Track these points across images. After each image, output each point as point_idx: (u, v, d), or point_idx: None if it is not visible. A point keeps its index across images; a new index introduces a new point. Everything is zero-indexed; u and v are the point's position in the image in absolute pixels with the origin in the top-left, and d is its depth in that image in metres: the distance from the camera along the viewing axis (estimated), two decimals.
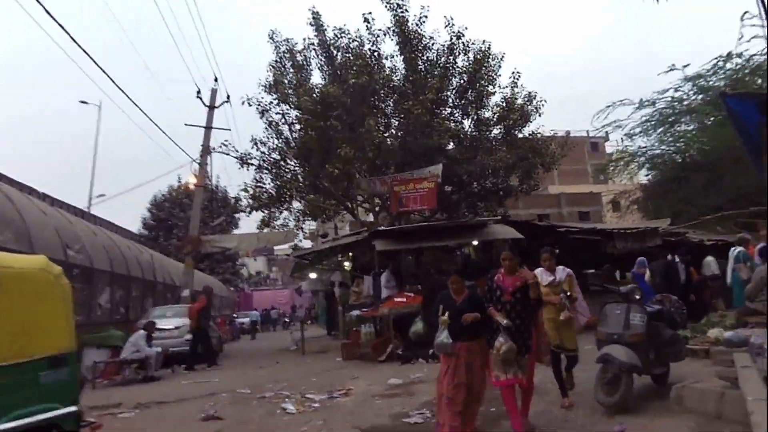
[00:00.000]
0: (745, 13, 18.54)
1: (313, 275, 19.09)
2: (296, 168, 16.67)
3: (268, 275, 55.56)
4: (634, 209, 24.39)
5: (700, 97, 18.85)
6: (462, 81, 16.20)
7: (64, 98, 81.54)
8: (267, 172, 16.57)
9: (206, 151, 16.87)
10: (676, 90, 19.24)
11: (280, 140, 16.41)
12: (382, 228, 11.57)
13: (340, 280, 16.95)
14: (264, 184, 16.64)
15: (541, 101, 16.11)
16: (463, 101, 16.54)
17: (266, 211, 17.08)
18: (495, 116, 16.39)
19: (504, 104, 16.27)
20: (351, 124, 14.09)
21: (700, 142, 17.90)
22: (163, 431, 5.56)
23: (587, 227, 13.61)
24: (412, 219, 15.87)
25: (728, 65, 17.73)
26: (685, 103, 19.30)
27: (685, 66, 18.51)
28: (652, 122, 20.37)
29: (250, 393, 7.49)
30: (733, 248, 8.74)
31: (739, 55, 17.58)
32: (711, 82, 18.38)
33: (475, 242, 12.12)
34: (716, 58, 18.20)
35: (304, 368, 9.91)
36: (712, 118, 18.18)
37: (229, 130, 31.18)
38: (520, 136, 16.66)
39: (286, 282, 50.23)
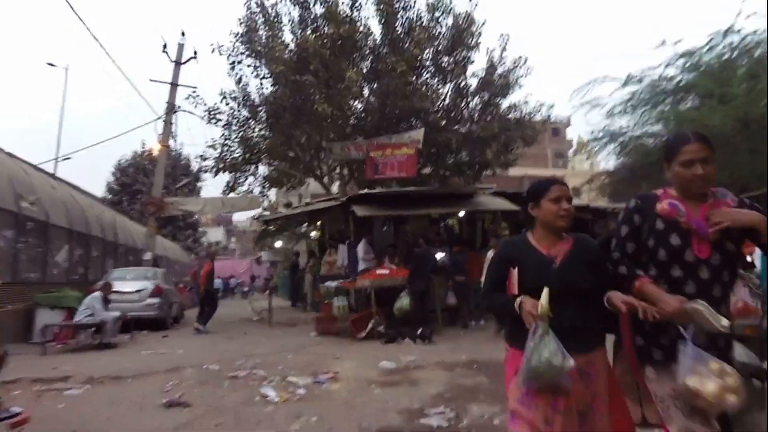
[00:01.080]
0: None
1: (278, 244, 17.93)
2: (265, 131, 15.22)
3: (226, 246, 53.93)
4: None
5: (692, 75, 18.47)
6: (443, 46, 15.03)
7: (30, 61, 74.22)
8: (235, 130, 15.07)
9: (171, 108, 15.30)
10: (668, 66, 18.77)
11: (249, 99, 14.90)
12: (364, 192, 10.53)
13: (311, 250, 15.95)
14: (231, 143, 15.16)
15: (529, 69, 15.26)
16: (443, 66, 15.49)
17: (232, 174, 15.70)
18: (479, 81, 15.43)
19: (488, 67, 15.29)
20: (328, 80, 12.77)
21: (690, 121, 17.50)
22: (114, 420, 4.44)
23: (581, 204, 13.10)
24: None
25: (727, 40, 17.31)
26: (677, 80, 18.87)
27: (677, 42, 18.07)
28: (634, 101, 19.93)
29: (220, 370, 6.43)
30: None
31: (738, 31, 17.29)
32: (707, 59, 18.01)
33: (462, 213, 11.32)
34: (712, 34, 17.83)
35: (276, 343, 8.85)
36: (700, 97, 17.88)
37: (196, 88, 29.05)
38: (504, 105, 15.85)
39: (244, 253, 49.16)
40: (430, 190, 11.39)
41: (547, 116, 16.25)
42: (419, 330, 8.45)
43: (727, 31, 17.53)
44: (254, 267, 36.34)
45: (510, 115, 15.77)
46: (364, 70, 13.95)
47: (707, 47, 18.21)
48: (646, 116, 20.35)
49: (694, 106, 17.58)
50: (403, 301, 8.95)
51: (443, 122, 15.09)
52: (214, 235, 47.54)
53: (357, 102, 13.78)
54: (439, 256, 10.33)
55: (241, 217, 49.90)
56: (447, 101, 15.59)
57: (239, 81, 14.76)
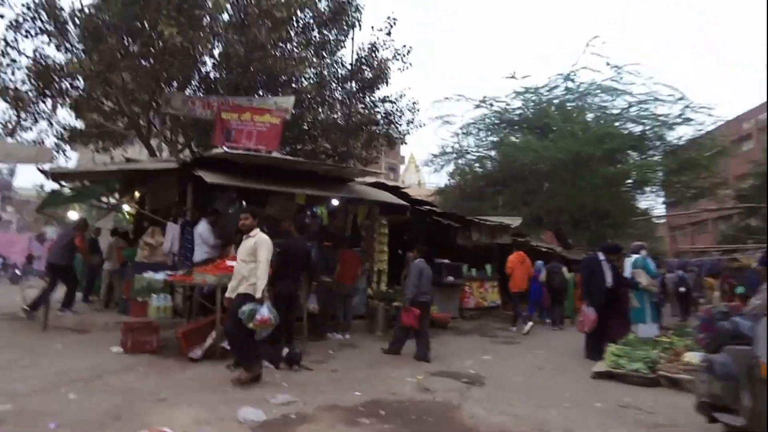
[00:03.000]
0: (594, 37, 20.28)
1: (73, 214, 13.25)
2: (75, 55, 10.85)
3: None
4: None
5: (530, 111, 19.49)
6: (313, 20, 12.65)
7: None
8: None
9: None
10: (513, 98, 19.56)
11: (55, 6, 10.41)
12: (219, 152, 7.56)
13: (116, 228, 11.91)
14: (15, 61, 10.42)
15: (408, 62, 13.88)
16: (317, 39, 13.22)
17: (16, 111, 10.88)
18: (354, 63, 13.53)
19: (370, 49, 13.45)
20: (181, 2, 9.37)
21: (523, 153, 18.23)
22: None
23: (448, 212, 12.03)
24: None
25: (566, 85, 18.58)
26: (518, 113, 19.78)
27: (524, 76, 19.00)
28: (481, 125, 20.45)
29: None
30: (629, 255, 8.46)
31: (572, 79, 18.68)
32: (543, 98, 19.11)
33: (336, 201, 9.14)
34: (557, 76, 18.99)
35: (52, 365, 5.35)
36: (537, 131, 18.91)
37: None
38: (377, 96, 14.23)
39: (24, 227, 38.55)
40: (309, 164, 8.93)
41: (414, 117, 15.05)
42: (285, 350, 6.02)
43: (567, 77, 19.13)
44: (34, 245, 28.29)
45: (380, 109, 14.27)
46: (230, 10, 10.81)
47: (549, 87, 19.68)
48: (487, 140, 21.36)
49: (529, 138, 18.68)
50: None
51: (308, 100, 12.75)
52: None
53: (217, 42, 10.56)
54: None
55: (25, 183, 39.41)
56: (316, 77, 13.33)
57: None
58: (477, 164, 21.69)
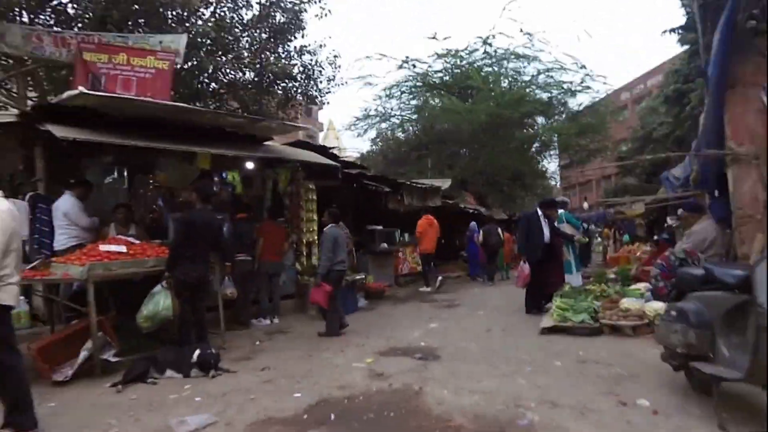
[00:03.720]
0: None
1: None
2: None
3: None
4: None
5: (451, 74, 18.78)
6: None
7: None
8: None
9: None
10: (434, 60, 18.67)
11: None
12: (76, 92, 5.21)
13: None
14: None
15: (326, 8, 11.99)
16: None
17: None
18: (260, 6, 11.37)
19: None
20: None
21: (447, 115, 17.67)
22: None
23: (378, 175, 10.62)
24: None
25: (485, 49, 18.05)
26: (439, 75, 18.95)
27: (446, 38, 18.29)
28: (404, 87, 19.45)
29: None
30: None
31: (490, 44, 18.13)
32: (462, 61, 18.41)
33: (251, 164, 7.25)
34: (477, 39, 18.49)
35: None
36: (458, 95, 18.31)
37: None
38: (293, 46, 12.20)
39: None
40: (212, 114, 6.81)
41: (335, 74, 13.30)
42: (196, 352, 4.32)
43: (485, 41, 18.56)
44: None
45: (296, 62, 12.28)
46: None
47: (468, 51, 19.04)
48: (410, 104, 20.45)
49: (453, 99, 18.20)
50: (160, 303, 4.60)
51: (206, 46, 10.44)
52: None
53: None
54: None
55: None
56: (218, 15, 10.98)
57: None
58: (400, 129, 20.89)
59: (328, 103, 14.34)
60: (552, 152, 22.55)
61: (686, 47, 15.11)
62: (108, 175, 7.37)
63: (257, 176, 7.75)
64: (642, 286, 6.27)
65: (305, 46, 12.27)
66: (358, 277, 8.19)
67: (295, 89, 12.54)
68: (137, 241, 5.31)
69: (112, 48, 8.12)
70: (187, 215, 5.19)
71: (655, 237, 13.19)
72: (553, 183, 28.73)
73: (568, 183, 38.13)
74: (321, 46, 12.44)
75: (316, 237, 7.70)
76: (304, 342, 5.67)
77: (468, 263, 13.10)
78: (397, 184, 10.37)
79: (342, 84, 13.72)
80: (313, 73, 12.57)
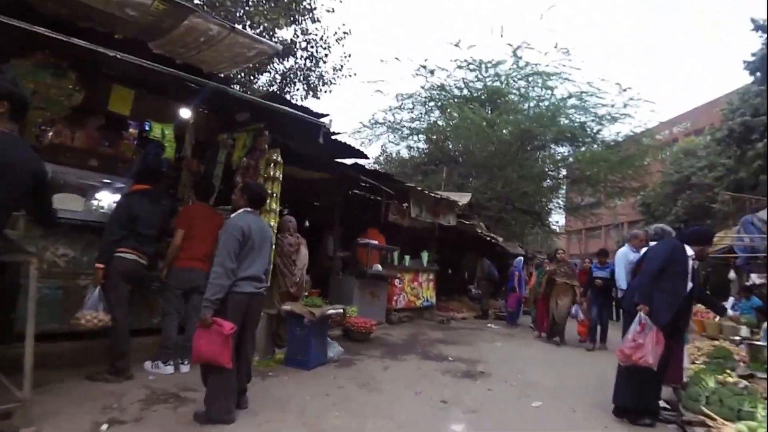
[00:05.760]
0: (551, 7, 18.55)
1: None
2: None
3: None
4: None
5: (473, 85, 16.55)
6: None
7: None
8: None
9: None
10: (455, 69, 16.44)
11: None
12: None
13: None
14: None
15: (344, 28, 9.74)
16: None
17: None
18: None
19: None
20: None
21: (462, 130, 15.23)
22: None
23: (381, 171, 8.00)
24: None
25: (513, 60, 15.82)
26: (460, 86, 16.69)
27: (470, 46, 16.12)
28: (418, 98, 17.24)
29: None
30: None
31: (519, 56, 15.91)
32: (487, 72, 16.18)
33: (188, 113, 4.61)
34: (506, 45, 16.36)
35: None
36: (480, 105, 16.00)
37: None
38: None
39: None
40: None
41: (343, 63, 10.96)
42: None
43: (515, 52, 16.30)
44: None
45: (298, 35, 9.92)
46: None
47: (493, 63, 16.79)
48: (424, 116, 18.14)
49: (476, 106, 15.85)
50: None
51: None
52: None
53: None
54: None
55: None
56: None
57: None
58: (406, 145, 18.70)
59: (329, 91, 11.93)
60: (562, 190, 19.29)
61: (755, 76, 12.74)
62: None
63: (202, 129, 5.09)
64: None
65: (305, 29, 9.85)
66: (331, 311, 5.25)
67: (293, 73, 10.14)
68: None
69: None
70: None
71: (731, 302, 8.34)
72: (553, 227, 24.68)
73: (570, 227, 31.58)
74: (329, 11, 10.00)
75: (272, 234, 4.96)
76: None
77: (475, 301, 10.97)
78: (404, 189, 7.71)
79: (351, 75, 11.31)
80: (317, 51, 10.14)
